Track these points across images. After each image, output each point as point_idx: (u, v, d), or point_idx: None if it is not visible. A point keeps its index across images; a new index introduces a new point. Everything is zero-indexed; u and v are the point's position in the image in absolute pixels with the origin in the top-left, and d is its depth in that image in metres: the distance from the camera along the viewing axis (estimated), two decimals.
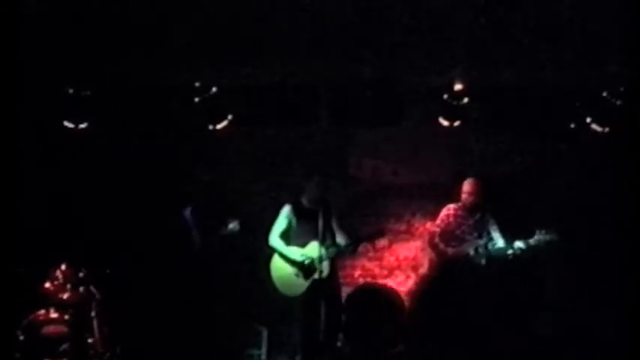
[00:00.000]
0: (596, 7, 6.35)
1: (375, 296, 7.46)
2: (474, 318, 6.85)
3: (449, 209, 7.22)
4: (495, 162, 7.87)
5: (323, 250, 6.81)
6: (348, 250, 7.11)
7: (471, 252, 7.02)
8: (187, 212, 7.32)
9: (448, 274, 7.03)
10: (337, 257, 7.06)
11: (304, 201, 7.05)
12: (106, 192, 7.38)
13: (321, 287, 6.84)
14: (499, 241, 7.01)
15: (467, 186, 7.16)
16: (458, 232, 7.13)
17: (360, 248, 7.40)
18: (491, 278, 6.98)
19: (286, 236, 7.01)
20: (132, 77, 6.90)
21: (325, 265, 6.85)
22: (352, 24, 6.66)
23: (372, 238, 7.19)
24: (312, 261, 6.83)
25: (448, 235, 7.15)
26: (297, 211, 7.01)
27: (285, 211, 7.04)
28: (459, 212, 7.18)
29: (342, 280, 7.41)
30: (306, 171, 7.42)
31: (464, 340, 6.77)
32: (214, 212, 7.38)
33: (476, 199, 7.11)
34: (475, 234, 7.09)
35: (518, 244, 6.84)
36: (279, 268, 6.97)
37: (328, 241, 6.92)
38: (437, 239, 7.19)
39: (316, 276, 6.83)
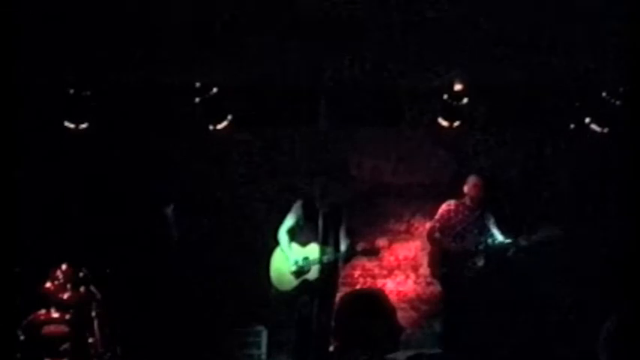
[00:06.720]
0: (596, 6, 6.35)
1: (365, 304, 7.40)
2: (479, 315, 6.87)
3: (449, 205, 7.23)
4: (495, 162, 7.87)
5: (319, 254, 6.76)
6: (342, 260, 6.98)
7: (473, 248, 7.03)
8: (169, 210, 7.33)
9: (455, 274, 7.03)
10: (332, 263, 6.89)
11: (317, 202, 7.01)
12: (106, 192, 7.38)
13: (312, 289, 6.80)
14: (498, 238, 7.02)
15: (473, 180, 7.18)
16: (459, 228, 7.14)
17: (353, 261, 7.30)
18: (492, 274, 6.99)
19: (293, 232, 6.99)
20: (132, 77, 6.90)
21: (315, 269, 6.78)
22: (353, 24, 6.67)
23: (366, 253, 7.09)
24: (306, 262, 6.83)
25: (449, 230, 7.15)
26: (307, 210, 6.97)
27: (296, 207, 7.04)
28: (460, 208, 7.19)
29: (342, 281, 7.36)
30: (310, 174, 7.43)
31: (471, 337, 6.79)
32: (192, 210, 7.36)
33: (482, 194, 7.13)
34: (476, 231, 7.11)
35: (521, 240, 6.88)
36: (277, 261, 6.98)
37: (330, 246, 6.83)
38: (437, 234, 7.18)
39: (308, 277, 6.80)
